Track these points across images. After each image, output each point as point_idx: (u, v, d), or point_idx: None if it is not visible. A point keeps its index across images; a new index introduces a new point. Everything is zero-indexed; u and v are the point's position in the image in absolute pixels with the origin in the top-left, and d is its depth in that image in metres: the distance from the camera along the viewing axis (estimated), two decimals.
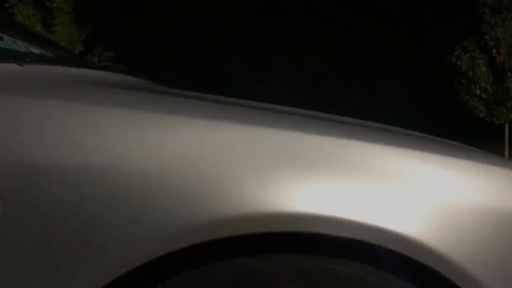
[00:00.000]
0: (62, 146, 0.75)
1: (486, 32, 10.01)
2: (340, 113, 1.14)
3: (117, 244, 0.73)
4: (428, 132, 1.18)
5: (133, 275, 0.74)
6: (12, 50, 1.08)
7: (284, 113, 0.99)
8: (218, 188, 0.75)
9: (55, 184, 0.73)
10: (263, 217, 0.75)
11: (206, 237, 0.74)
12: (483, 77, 9.97)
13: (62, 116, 0.77)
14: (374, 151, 0.83)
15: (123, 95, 0.90)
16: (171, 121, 0.79)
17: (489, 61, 10.11)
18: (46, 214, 0.73)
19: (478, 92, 10.14)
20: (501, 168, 0.89)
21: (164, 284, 0.76)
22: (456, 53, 10.03)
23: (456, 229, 0.80)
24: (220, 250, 0.77)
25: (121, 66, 1.23)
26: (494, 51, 10.03)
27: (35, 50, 1.14)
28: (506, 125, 10.36)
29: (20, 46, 1.12)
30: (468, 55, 10.05)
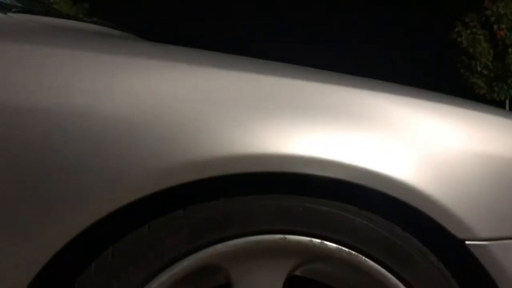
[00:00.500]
0: (48, 89, 0.75)
1: (487, 8, 9.92)
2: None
3: (102, 185, 0.73)
4: None
5: (119, 215, 0.74)
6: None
7: (271, 63, 0.99)
8: (204, 129, 0.75)
9: (40, 125, 0.73)
10: (249, 158, 0.75)
11: (191, 177, 0.75)
12: (484, 53, 9.92)
13: (44, 60, 0.77)
14: (362, 96, 0.83)
15: (109, 42, 0.90)
16: (158, 65, 0.79)
17: (490, 37, 10.05)
18: (30, 155, 0.73)
19: (478, 69, 10.10)
20: (492, 116, 0.90)
21: (150, 224, 0.77)
22: (457, 29, 9.96)
23: (443, 171, 0.81)
24: (206, 190, 0.78)
25: (109, 23, 1.22)
26: (495, 26, 9.95)
27: (22, 5, 1.13)
28: (507, 101, 10.34)
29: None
30: (469, 31, 9.98)
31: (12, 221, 0.73)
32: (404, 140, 0.81)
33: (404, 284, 0.80)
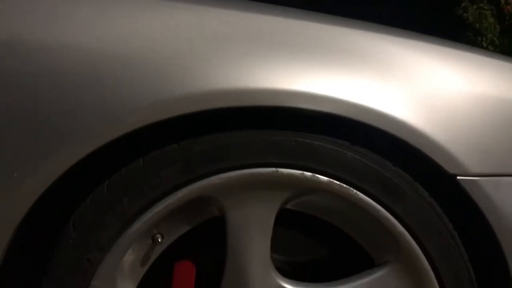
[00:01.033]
0: (44, 23, 0.75)
1: None
2: None
3: (97, 117, 0.74)
4: None
5: (113, 147, 0.75)
6: None
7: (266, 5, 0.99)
8: (198, 64, 0.76)
9: (35, 57, 0.74)
10: (242, 92, 0.76)
11: (185, 110, 0.75)
12: (490, 28, 9.81)
13: None
14: (357, 35, 0.84)
15: None
16: (153, 2, 0.79)
17: (497, 12, 9.92)
18: (25, 88, 0.74)
19: (485, 45, 10.00)
20: (489, 59, 0.90)
21: (144, 158, 0.78)
22: (463, 4, 9.84)
23: (436, 108, 0.81)
24: (199, 124, 0.79)
25: None
26: (502, 1, 9.81)
27: None
28: None
29: None
30: (475, 6, 9.86)
31: (11, 151, 0.74)
32: (398, 78, 0.82)
33: (395, 218, 0.81)
